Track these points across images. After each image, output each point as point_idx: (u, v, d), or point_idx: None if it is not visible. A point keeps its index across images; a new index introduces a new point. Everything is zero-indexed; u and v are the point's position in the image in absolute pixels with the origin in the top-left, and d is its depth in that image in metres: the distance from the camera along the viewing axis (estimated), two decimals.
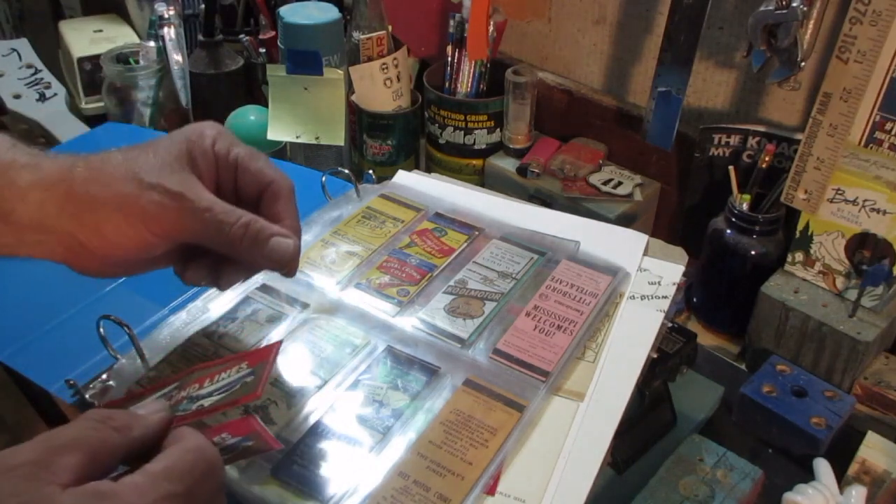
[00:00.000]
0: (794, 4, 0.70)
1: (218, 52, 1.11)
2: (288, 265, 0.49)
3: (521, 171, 0.99)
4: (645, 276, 0.63)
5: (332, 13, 0.97)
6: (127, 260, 0.48)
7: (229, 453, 0.41)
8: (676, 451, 0.64)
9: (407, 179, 0.76)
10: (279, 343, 0.46)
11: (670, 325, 0.67)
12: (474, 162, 1.05)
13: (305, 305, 0.61)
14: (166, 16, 1.05)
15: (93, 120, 1.14)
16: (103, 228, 0.45)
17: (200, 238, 0.47)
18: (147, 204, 0.45)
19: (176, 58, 1.04)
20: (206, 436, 0.38)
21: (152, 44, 1.09)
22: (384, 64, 1.00)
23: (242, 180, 0.50)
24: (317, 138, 0.97)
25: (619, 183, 0.95)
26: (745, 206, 0.80)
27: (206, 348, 0.57)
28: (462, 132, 1.02)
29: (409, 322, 0.59)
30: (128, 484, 0.34)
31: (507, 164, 1.01)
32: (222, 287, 0.51)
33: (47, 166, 0.45)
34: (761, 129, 0.83)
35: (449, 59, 1.03)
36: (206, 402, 0.43)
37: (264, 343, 0.57)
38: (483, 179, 1.05)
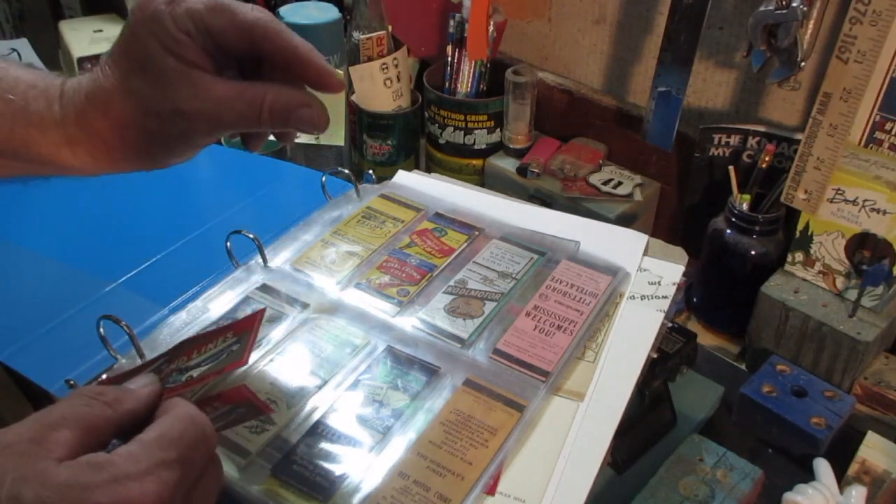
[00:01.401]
0: (794, 4, 0.70)
1: None
2: (322, 122, 0.50)
3: (521, 171, 0.99)
4: (645, 276, 0.63)
5: (332, 13, 0.97)
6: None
7: (222, 421, 0.42)
8: (676, 451, 0.64)
9: (407, 179, 0.76)
10: (263, 311, 0.46)
11: (670, 325, 0.67)
12: (474, 162, 1.05)
13: (305, 305, 0.61)
14: None
15: None
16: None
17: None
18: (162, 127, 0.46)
19: None
20: (199, 407, 0.39)
21: None
22: (384, 64, 1.00)
23: (224, 35, 0.47)
24: (317, 138, 0.96)
25: (619, 183, 0.95)
26: (745, 206, 0.80)
27: None
28: (462, 132, 1.02)
29: (409, 322, 0.59)
30: (121, 454, 0.34)
31: (507, 164, 1.01)
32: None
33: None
34: (761, 129, 0.83)
35: (449, 59, 1.03)
36: (195, 373, 0.43)
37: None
38: (483, 179, 1.05)
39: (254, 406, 0.42)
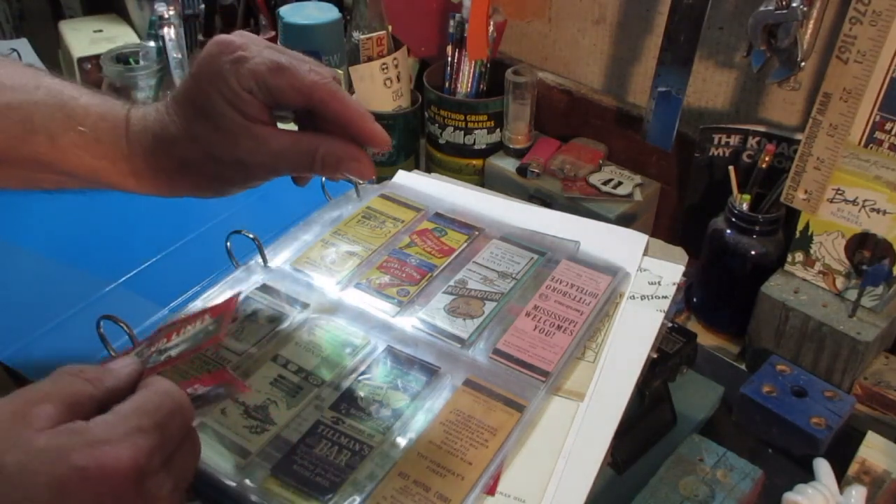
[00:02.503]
0: (794, 4, 0.70)
1: None
2: (369, 174, 0.53)
3: (521, 171, 0.99)
4: (645, 276, 0.63)
5: (332, 13, 0.97)
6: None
7: (201, 401, 0.43)
8: (676, 451, 0.64)
9: (407, 179, 0.76)
10: (238, 294, 0.47)
11: (670, 325, 0.67)
12: (474, 162, 1.05)
13: (305, 305, 0.61)
14: (166, 16, 1.05)
15: None
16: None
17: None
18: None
19: (176, 58, 1.04)
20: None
21: (152, 44, 1.09)
22: (384, 64, 1.00)
23: (284, 94, 0.50)
24: None
25: (619, 183, 0.95)
26: (745, 206, 0.80)
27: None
28: (462, 132, 1.02)
29: (409, 322, 0.59)
30: (98, 421, 0.36)
31: (507, 164, 1.01)
32: None
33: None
34: (761, 129, 0.83)
35: (449, 59, 1.03)
36: (174, 352, 0.44)
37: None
38: (483, 179, 1.05)
39: (231, 386, 0.43)
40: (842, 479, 0.63)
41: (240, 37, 0.50)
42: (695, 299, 0.88)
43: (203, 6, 1.11)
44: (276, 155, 0.50)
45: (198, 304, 0.61)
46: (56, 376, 0.38)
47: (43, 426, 0.34)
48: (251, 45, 0.50)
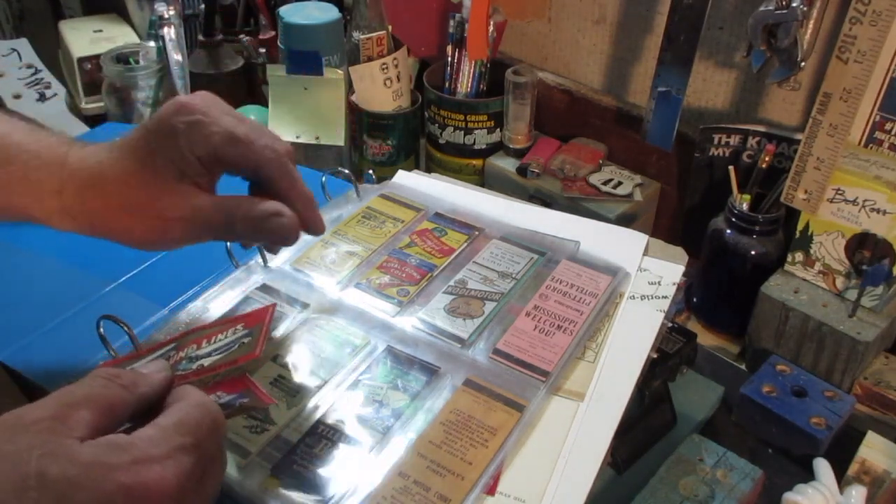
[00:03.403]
0: (794, 4, 0.70)
1: (218, 52, 1.11)
2: (293, 233, 0.51)
3: (521, 171, 0.99)
4: (645, 276, 0.63)
5: (332, 13, 0.97)
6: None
7: (225, 410, 0.42)
8: (676, 451, 0.64)
9: (407, 179, 0.76)
10: (274, 305, 0.47)
11: (670, 325, 0.67)
12: (474, 162, 1.05)
13: (305, 305, 0.61)
14: (166, 16, 1.05)
15: (93, 120, 1.14)
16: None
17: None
18: (152, 223, 0.48)
19: (176, 58, 1.04)
20: None
21: (152, 44, 1.09)
22: (384, 64, 1.00)
23: (233, 165, 0.50)
24: (317, 138, 0.97)
25: (619, 183, 0.95)
26: (745, 206, 0.80)
27: None
28: (462, 132, 1.02)
29: (409, 322, 0.59)
30: (142, 437, 0.35)
31: (507, 164, 1.01)
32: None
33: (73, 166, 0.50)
34: (761, 129, 0.83)
35: (449, 59, 1.03)
36: (206, 362, 0.44)
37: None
38: (483, 179, 1.05)
39: (255, 396, 0.43)
40: (842, 479, 0.63)
41: (202, 100, 0.50)
42: (695, 299, 0.88)
43: (203, 6, 1.11)
44: (197, 211, 0.49)
45: (198, 304, 0.61)
46: (91, 380, 0.37)
47: (82, 434, 0.34)
48: (211, 110, 0.49)
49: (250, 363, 0.45)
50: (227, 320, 0.47)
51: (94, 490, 0.33)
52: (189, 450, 0.36)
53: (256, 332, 0.45)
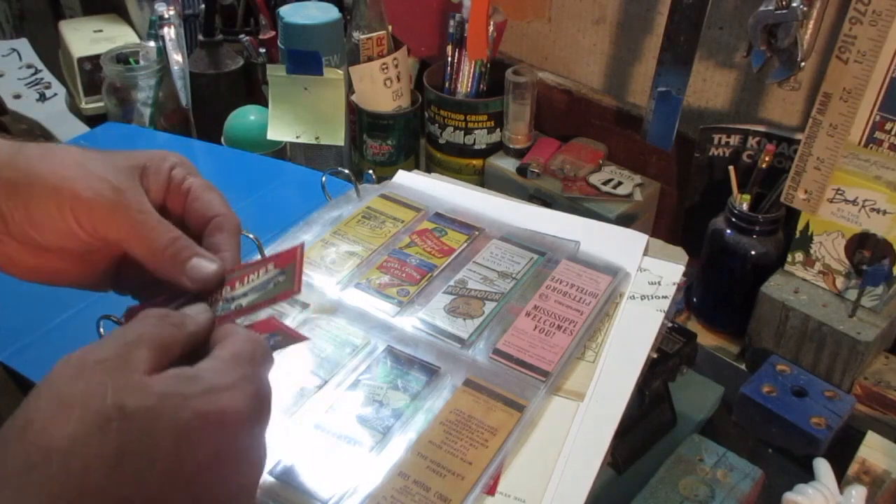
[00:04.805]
0: (794, 4, 0.70)
1: (218, 52, 1.11)
2: (206, 288, 0.46)
3: (521, 171, 0.99)
4: (645, 276, 0.63)
5: (332, 13, 0.97)
6: (46, 248, 0.46)
7: None
8: (676, 451, 0.64)
9: (407, 179, 0.76)
10: (303, 244, 0.46)
11: (670, 325, 0.67)
12: (474, 162, 1.05)
13: (305, 305, 0.61)
14: (166, 16, 1.05)
15: (93, 120, 1.14)
16: (31, 206, 0.44)
17: (125, 241, 0.46)
18: (83, 190, 0.44)
19: (176, 58, 1.04)
20: None
21: (152, 44, 1.09)
22: (384, 64, 1.00)
23: (190, 208, 0.49)
24: (317, 138, 0.97)
25: (619, 183, 0.95)
26: (745, 206, 0.80)
27: None
28: (462, 132, 1.02)
29: (409, 322, 0.59)
30: (206, 368, 0.36)
31: (507, 164, 1.01)
32: None
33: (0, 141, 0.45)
34: (761, 129, 0.83)
35: (449, 59, 1.03)
36: (244, 302, 0.44)
37: None
38: (483, 179, 1.05)
39: (287, 335, 0.43)
40: (842, 479, 0.63)
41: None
42: (695, 299, 0.88)
43: (203, 6, 1.11)
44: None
45: None
46: (143, 319, 0.38)
47: (145, 370, 0.35)
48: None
49: (290, 301, 0.44)
50: (257, 262, 0.47)
51: (173, 418, 0.33)
52: (250, 379, 0.37)
53: (290, 270, 0.45)
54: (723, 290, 0.85)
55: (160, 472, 0.33)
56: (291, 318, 0.60)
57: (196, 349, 0.39)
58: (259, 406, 0.37)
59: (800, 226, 0.76)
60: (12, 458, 0.32)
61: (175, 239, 0.46)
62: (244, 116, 1.01)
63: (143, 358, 0.35)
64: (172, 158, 0.49)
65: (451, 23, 1.00)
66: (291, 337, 0.44)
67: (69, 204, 0.43)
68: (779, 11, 0.71)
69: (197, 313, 0.41)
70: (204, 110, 1.08)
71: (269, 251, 0.65)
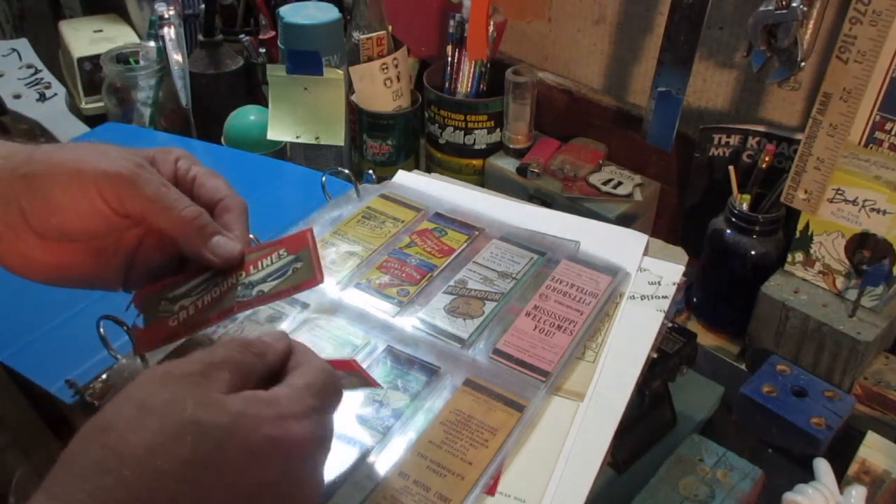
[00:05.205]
0: (794, 4, 0.70)
1: (218, 52, 1.11)
2: (229, 265, 0.49)
3: (521, 171, 0.99)
4: (645, 276, 0.63)
5: (332, 13, 0.97)
6: (67, 236, 0.46)
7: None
8: (676, 451, 0.64)
9: (407, 179, 0.76)
10: (311, 229, 0.47)
11: (670, 325, 0.67)
12: (474, 162, 1.05)
13: (305, 305, 0.61)
14: (166, 16, 1.05)
15: (93, 120, 1.14)
16: (55, 191, 0.45)
17: (152, 213, 0.47)
18: (108, 166, 0.45)
19: (176, 58, 1.04)
20: None
21: (152, 44, 1.09)
22: (384, 64, 1.00)
23: (197, 194, 0.50)
24: (317, 138, 0.97)
25: (619, 183, 0.95)
26: (745, 206, 0.80)
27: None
28: (462, 132, 1.02)
29: (409, 322, 0.59)
30: (281, 395, 0.38)
31: (507, 164, 1.01)
32: None
33: (14, 144, 0.47)
34: (761, 129, 0.83)
35: (449, 59, 1.03)
36: (265, 288, 0.45)
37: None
38: (483, 179, 1.05)
39: (362, 378, 0.44)
40: (842, 479, 0.63)
41: None
42: (695, 299, 0.88)
43: (203, 6, 1.11)
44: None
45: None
46: (229, 345, 0.40)
47: (224, 391, 0.36)
48: None
49: (313, 289, 0.45)
50: (264, 245, 0.47)
51: (244, 438, 0.35)
52: (319, 410, 0.38)
53: (305, 257, 0.46)
54: (723, 290, 0.85)
55: (226, 486, 0.34)
56: (291, 318, 0.60)
57: (274, 375, 0.40)
58: (323, 436, 0.39)
59: (800, 226, 0.76)
60: (90, 460, 0.33)
61: (200, 212, 0.48)
62: (244, 116, 1.01)
63: (225, 379, 0.37)
64: (177, 151, 0.51)
65: (451, 23, 1.00)
66: (364, 379, 0.44)
67: (94, 181, 0.45)
68: (779, 11, 0.71)
69: (276, 341, 0.42)
70: (204, 110, 1.08)
71: None
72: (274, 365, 0.41)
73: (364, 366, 0.56)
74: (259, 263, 0.47)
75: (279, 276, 0.45)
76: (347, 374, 0.44)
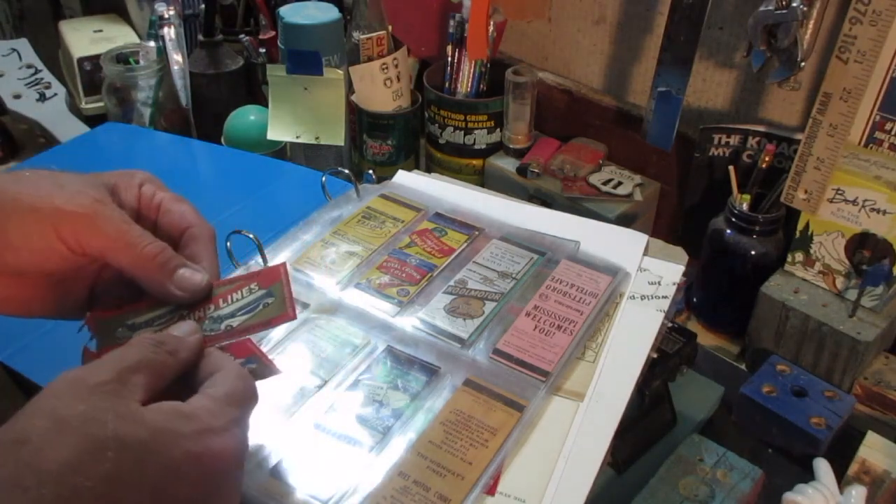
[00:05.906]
0: (794, 4, 0.70)
1: (218, 52, 1.11)
2: (194, 298, 0.46)
3: (521, 171, 0.99)
4: (645, 276, 0.63)
5: (332, 13, 0.97)
6: (21, 273, 0.45)
7: None
8: (676, 451, 0.64)
9: (407, 179, 0.76)
10: (285, 264, 0.46)
11: (670, 325, 0.68)
12: (474, 162, 1.05)
13: (305, 305, 0.61)
14: (166, 16, 1.05)
15: (93, 120, 1.14)
16: (9, 228, 0.43)
17: (111, 251, 0.45)
18: (65, 203, 0.43)
19: (176, 58, 1.04)
20: None
21: (152, 44, 1.09)
22: (384, 64, 1.00)
23: (163, 221, 0.48)
24: (317, 138, 0.97)
25: (619, 183, 0.95)
26: (745, 206, 0.80)
27: None
28: (462, 132, 1.02)
29: (409, 322, 0.59)
30: (200, 408, 0.37)
31: (507, 164, 1.01)
32: None
33: None
34: (761, 129, 0.83)
35: (449, 59, 1.03)
36: (234, 323, 0.44)
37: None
38: (483, 179, 1.05)
39: (262, 363, 0.43)
40: (842, 479, 0.63)
41: None
42: (695, 299, 0.88)
43: (203, 6, 1.11)
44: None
45: None
46: (140, 344, 0.39)
47: (141, 398, 0.36)
48: None
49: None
50: (235, 279, 0.46)
51: (164, 455, 0.34)
52: (239, 421, 0.38)
53: (277, 291, 0.45)
54: (723, 290, 0.85)
55: (147, 503, 0.33)
56: None
57: (189, 372, 0.40)
58: (243, 449, 0.38)
59: (800, 226, 0.77)
60: (5, 476, 0.32)
61: (163, 248, 0.45)
62: (244, 116, 1.01)
63: (141, 384, 0.36)
64: (140, 175, 0.49)
65: (451, 23, 1.00)
66: (265, 365, 0.43)
67: (50, 219, 0.43)
68: (779, 11, 0.71)
69: (188, 335, 0.41)
70: (204, 110, 1.08)
71: (269, 251, 0.65)
72: (188, 361, 0.40)
73: (364, 366, 0.56)
74: (229, 297, 0.45)
75: (249, 311, 0.44)
76: (248, 360, 0.43)
